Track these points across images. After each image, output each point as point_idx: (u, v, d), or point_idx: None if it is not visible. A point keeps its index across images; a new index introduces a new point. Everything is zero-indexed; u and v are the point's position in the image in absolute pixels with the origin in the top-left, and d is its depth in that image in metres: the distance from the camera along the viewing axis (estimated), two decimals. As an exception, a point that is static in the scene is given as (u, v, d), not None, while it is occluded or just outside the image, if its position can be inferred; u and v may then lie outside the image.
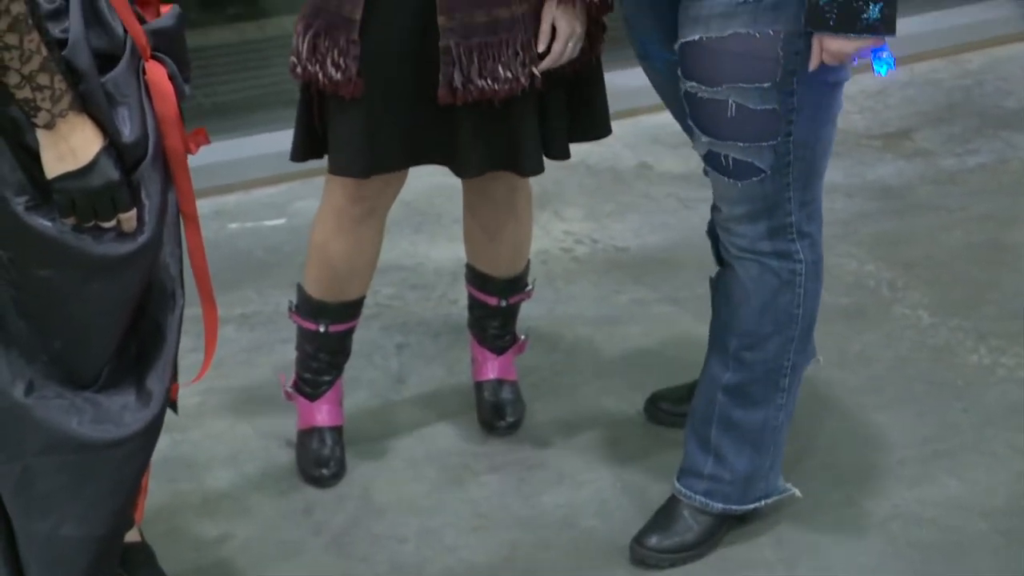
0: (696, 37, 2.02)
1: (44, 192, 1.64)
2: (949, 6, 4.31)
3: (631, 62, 2.33)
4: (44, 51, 1.56)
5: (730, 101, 2.01)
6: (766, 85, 2.00)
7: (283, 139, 2.54)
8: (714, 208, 2.22)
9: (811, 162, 2.09)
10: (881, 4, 1.89)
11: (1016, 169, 3.49)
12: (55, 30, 1.61)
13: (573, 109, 2.31)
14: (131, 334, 1.79)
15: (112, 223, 1.67)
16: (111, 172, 1.63)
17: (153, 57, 1.72)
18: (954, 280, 3.03)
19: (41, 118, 1.59)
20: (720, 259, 2.29)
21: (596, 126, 2.34)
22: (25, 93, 1.57)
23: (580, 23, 2.16)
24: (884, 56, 1.99)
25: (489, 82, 2.16)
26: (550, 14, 2.15)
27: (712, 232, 2.35)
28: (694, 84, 2.05)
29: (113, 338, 1.76)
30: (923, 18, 4.18)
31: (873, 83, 3.88)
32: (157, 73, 1.71)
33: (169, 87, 1.72)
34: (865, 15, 1.89)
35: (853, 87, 3.70)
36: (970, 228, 3.24)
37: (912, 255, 3.12)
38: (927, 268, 3.08)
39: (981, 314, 2.88)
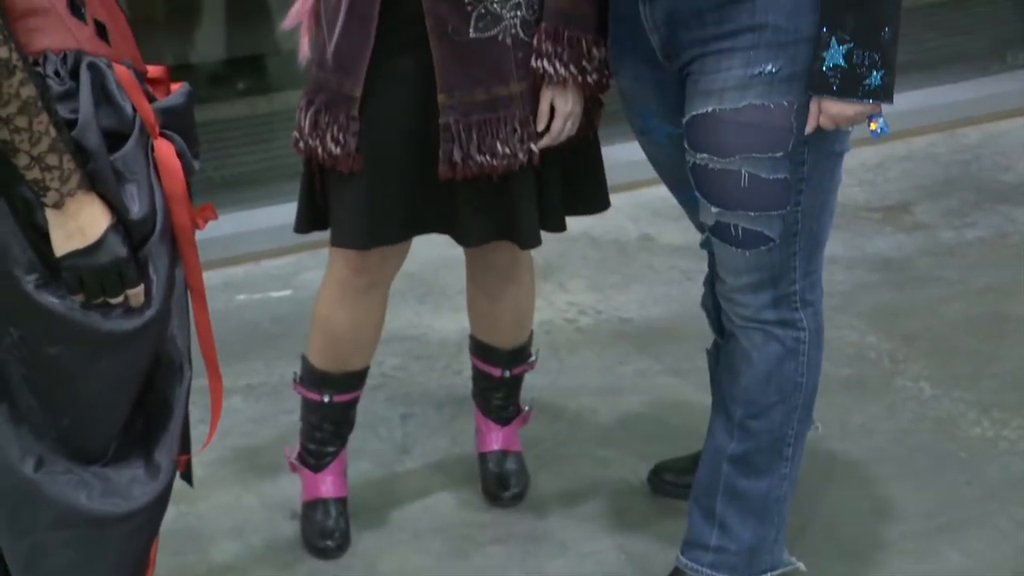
0: (709, 109, 2.03)
1: (53, 270, 1.65)
2: (947, 82, 4.35)
3: (632, 135, 2.34)
4: (53, 132, 1.58)
5: (743, 171, 2.02)
6: (779, 155, 2.01)
7: (290, 211, 2.54)
8: (715, 280, 2.22)
9: (816, 232, 2.10)
10: (883, 71, 1.92)
11: (1015, 243, 3.50)
12: (65, 111, 1.63)
13: (571, 183, 2.32)
14: (139, 407, 1.78)
15: (120, 299, 1.67)
16: (119, 249, 1.64)
17: (162, 134, 1.73)
18: (955, 352, 3.03)
19: (50, 198, 1.59)
20: (718, 330, 2.29)
21: (594, 200, 2.35)
22: (35, 174, 1.58)
23: (578, 102, 2.18)
24: (880, 123, 2.01)
25: (488, 158, 2.17)
26: (549, 94, 2.18)
27: (707, 304, 2.36)
28: (705, 156, 2.06)
29: (121, 413, 1.75)
30: (921, 93, 4.21)
31: (872, 156, 3.91)
32: (165, 151, 1.72)
33: (177, 164, 1.73)
34: (867, 81, 1.92)
35: (852, 160, 3.71)
36: (970, 300, 3.24)
37: (912, 327, 3.12)
38: (928, 340, 3.07)
39: (983, 386, 2.88)
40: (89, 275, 1.63)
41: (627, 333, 3.12)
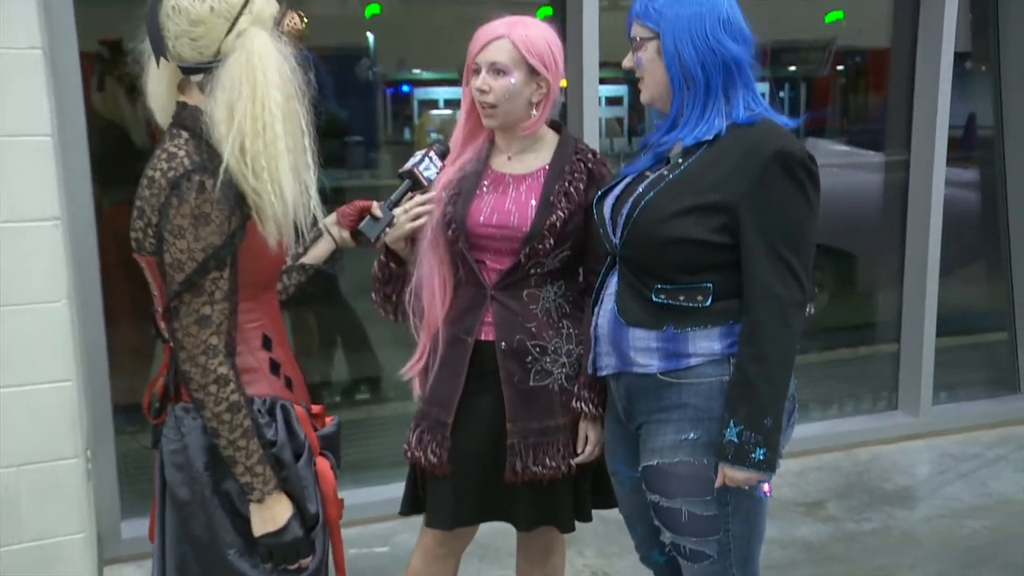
0: (654, 463, 1.96)
1: (248, 544, 1.67)
2: (847, 415, 4.46)
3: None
4: (261, 451, 1.63)
5: (683, 509, 1.94)
6: (707, 498, 1.92)
7: (391, 490, 2.59)
8: None
9: (747, 548, 1.99)
10: (764, 449, 1.83)
11: (897, 534, 3.49)
12: (266, 435, 1.68)
13: (595, 488, 2.31)
14: None
15: (295, 566, 1.71)
16: (297, 531, 1.68)
17: (321, 453, 1.78)
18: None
19: (255, 496, 1.64)
20: None
21: (610, 499, 2.32)
22: (246, 478, 1.63)
23: (603, 433, 2.18)
24: (766, 488, 1.92)
25: (540, 468, 2.16)
26: (584, 426, 2.19)
27: None
28: (656, 496, 1.97)
29: None
30: (828, 423, 4.34)
31: (796, 466, 3.96)
32: (323, 465, 1.77)
33: (330, 474, 1.77)
34: (753, 455, 1.83)
35: (783, 467, 3.86)
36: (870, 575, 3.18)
37: (829, 594, 3.00)
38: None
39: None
40: (277, 549, 1.66)
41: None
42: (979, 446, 4.29)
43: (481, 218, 2.14)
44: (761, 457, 1.83)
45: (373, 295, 2.28)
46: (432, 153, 2.08)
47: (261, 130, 1.56)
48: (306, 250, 2.04)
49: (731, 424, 1.84)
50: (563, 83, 3.67)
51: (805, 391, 4.43)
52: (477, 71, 2.12)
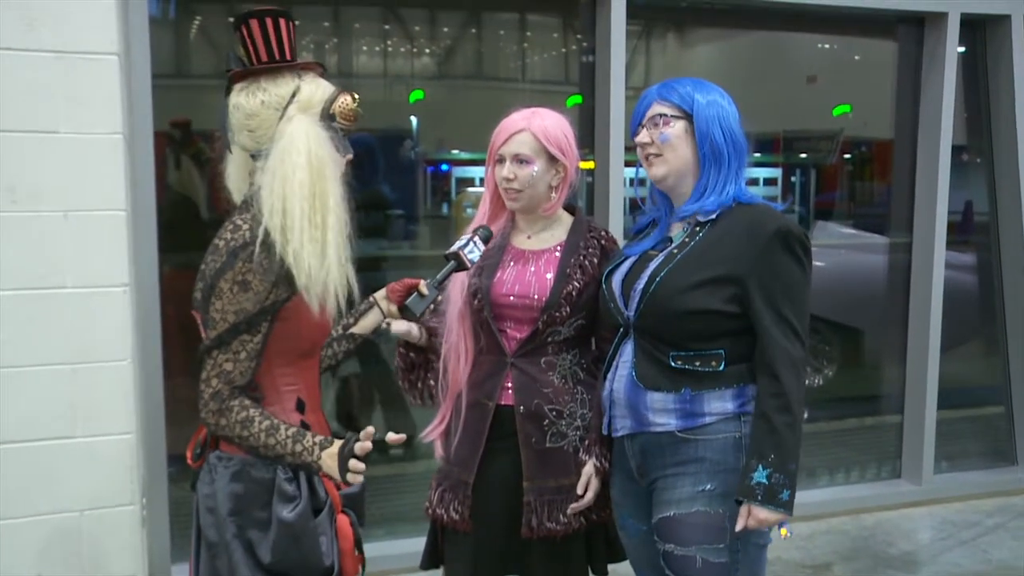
0: (670, 513, 1.99)
1: None
2: (853, 483, 4.44)
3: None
4: (290, 434, 1.65)
5: (697, 556, 1.97)
6: (720, 545, 1.96)
7: (411, 543, 2.66)
8: None
9: None
10: (788, 491, 1.90)
11: None
12: (291, 490, 1.69)
13: (607, 545, 2.32)
14: None
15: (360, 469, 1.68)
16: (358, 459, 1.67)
17: (343, 511, 1.78)
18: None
19: (313, 469, 1.68)
20: None
21: (620, 554, 2.31)
22: (296, 461, 1.67)
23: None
24: (788, 528, 1.98)
25: (554, 524, 2.17)
26: (588, 475, 2.18)
27: None
28: (671, 545, 2.00)
29: None
30: (836, 489, 4.35)
31: (804, 530, 3.96)
32: (343, 522, 1.77)
33: (349, 531, 1.76)
34: (781, 495, 1.90)
35: (792, 530, 3.89)
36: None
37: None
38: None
39: None
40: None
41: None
42: (978, 514, 4.28)
43: (504, 289, 2.20)
44: (786, 498, 1.90)
45: (399, 382, 2.31)
46: (476, 238, 2.15)
47: (290, 209, 1.62)
48: (356, 320, 2.08)
49: (759, 468, 1.89)
50: (589, 165, 3.83)
51: (814, 458, 4.51)
52: (501, 160, 2.19)
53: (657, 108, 2.03)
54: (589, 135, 3.76)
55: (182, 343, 3.44)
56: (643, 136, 2.05)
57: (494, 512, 2.19)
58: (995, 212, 4.44)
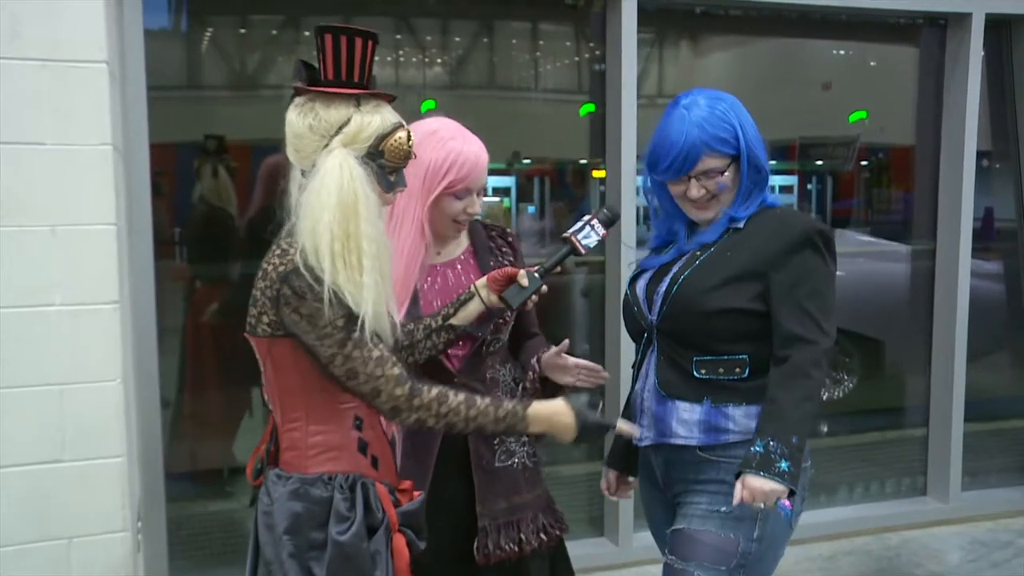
0: (682, 526, 1.98)
1: None
2: (877, 500, 4.24)
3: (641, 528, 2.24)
4: (487, 401, 1.75)
5: (695, 573, 1.93)
6: (722, 568, 1.92)
7: None
8: None
9: None
10: (789, 462, 1.83)
11: None
12: (344, 508, 1.66)
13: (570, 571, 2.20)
14: None
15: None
16: (588, 416, 1.78)
17: (400, 530, 1.74)
18: None
19: (532, 433, 1.83)
20: None
21: None
22: (503, 427, 1.74)
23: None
24: (787, 503, 1.86)
25: (511, 546, 2.09)
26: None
27: None
28: (673, 558, 1.98)
29: None
30: (857, 507, 4.13)
31: (827, 550, 3.75)
32: (399, 541, 1.73)
33: (405, 551, 1.73)
34: (777, 465, 1.83)
35: (812, 551, 3.66)
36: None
37: None
38: None
39: None
40: (586, 438, 1.81)
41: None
42: (1010, 534, 4.05)
43: (434, 309, 2.09)
44: (785, 468, 1.83)
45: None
46: (595, 220, 2.00)
47: (322, 250, 1.60)
48: (456, 311, 2.02)
49: (758, 442, 1.85)
50: (601, 174, 3.68)
51: (835, 474, 4.31)
52: (466, 193, 2.07)
53: (709, 163, 1.98)
54: (601, 144, 3.68)
55: (206, 356, 3.48)
56: (694, 191, 2.01)
57: (448, 539, 2.09)
58: (1022, 218, 4.21)
